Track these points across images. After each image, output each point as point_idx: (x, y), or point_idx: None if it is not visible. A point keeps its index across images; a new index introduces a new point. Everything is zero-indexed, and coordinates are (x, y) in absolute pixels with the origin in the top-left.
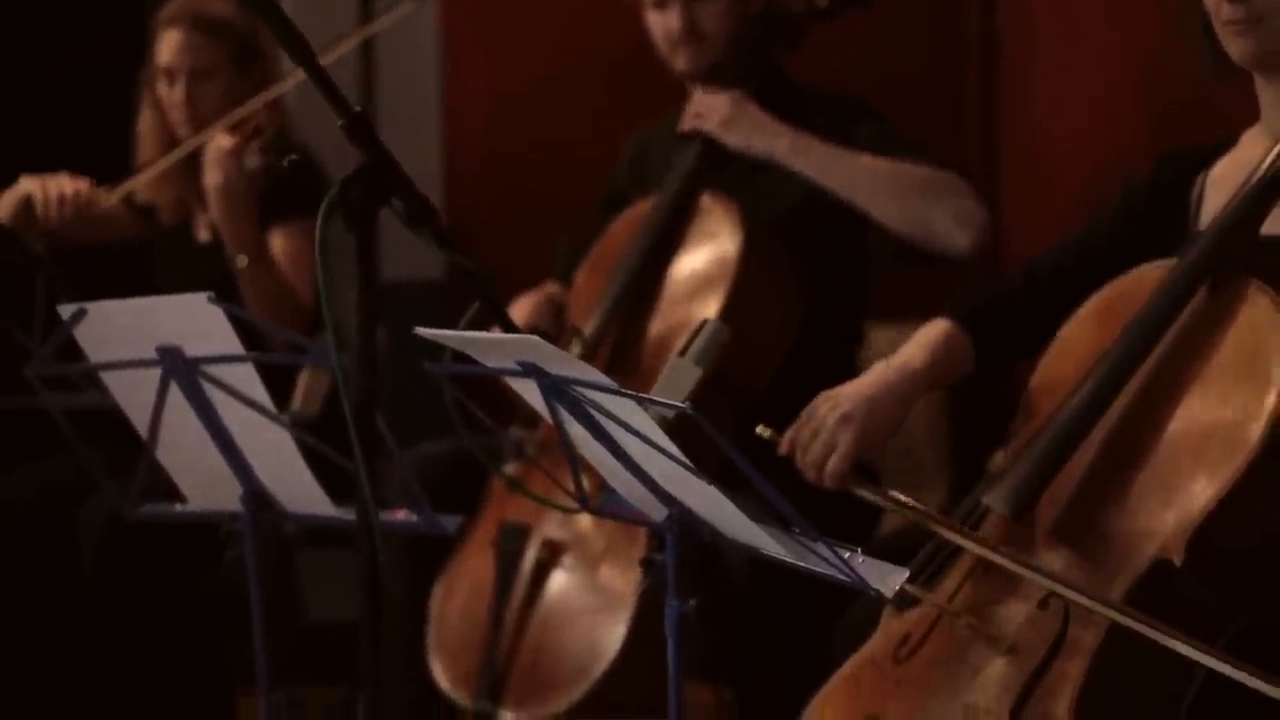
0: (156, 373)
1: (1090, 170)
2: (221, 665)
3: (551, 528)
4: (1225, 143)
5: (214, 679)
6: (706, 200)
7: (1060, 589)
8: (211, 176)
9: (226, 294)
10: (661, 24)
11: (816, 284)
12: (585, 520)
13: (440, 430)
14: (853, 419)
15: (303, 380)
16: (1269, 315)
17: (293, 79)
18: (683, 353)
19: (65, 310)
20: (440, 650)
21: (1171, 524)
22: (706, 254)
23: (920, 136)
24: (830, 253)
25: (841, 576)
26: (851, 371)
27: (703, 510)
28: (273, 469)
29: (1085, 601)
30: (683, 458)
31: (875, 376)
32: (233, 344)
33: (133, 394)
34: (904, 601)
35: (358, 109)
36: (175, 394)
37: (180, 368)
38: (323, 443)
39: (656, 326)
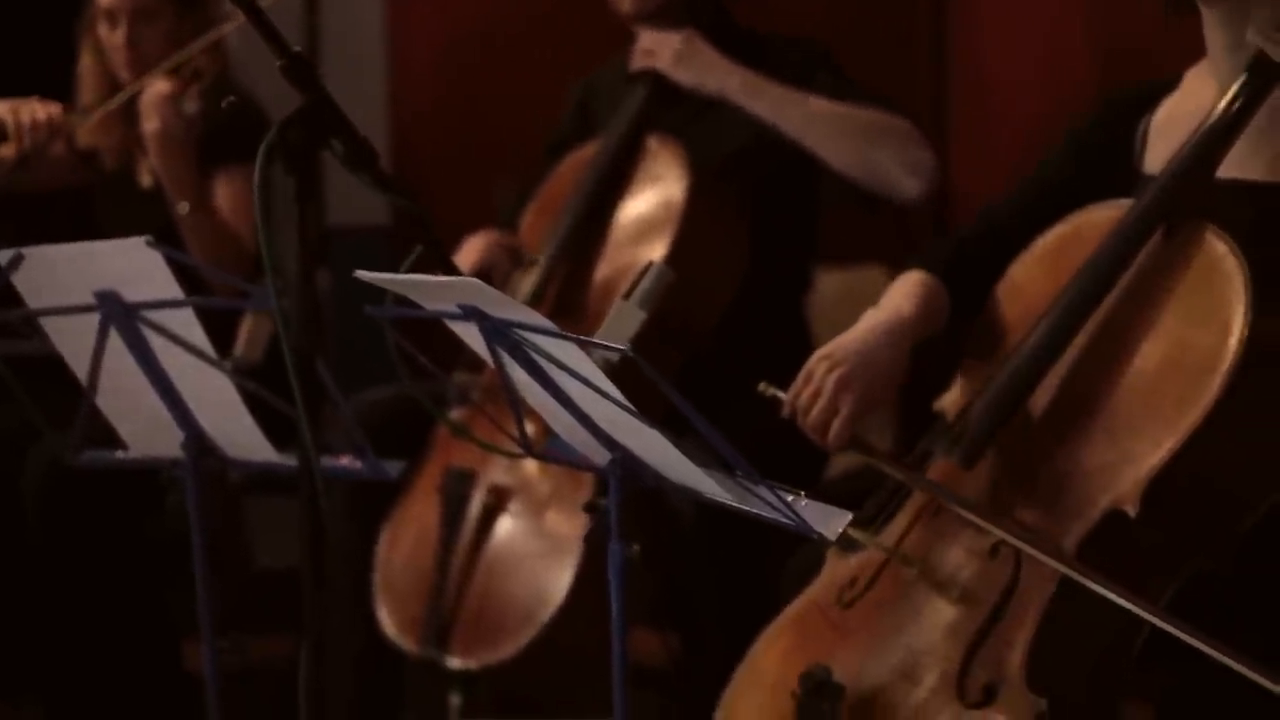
0: (96, 318)
1: (1038, 112)
2: (169, 613)
3: (497, 473)
4: (1168, 83)
5: (162, 626)
6: (653, 142)
7: (1062, 567)
8: (149, 123)
9: (169, 240)
10: None
11: (764, 227)
12: (531, 465)
13: (389, 376)
14: (852, 381)
15: (245, 326)
16: (1225, 261)
17: (233, 22)
18: (627, 295)
19: (2, 256)
20: (386, 597)
21: (1127, 475)
22: (652, 197)
23: (869, 79)
24: (778, 196)
25: (784, 520)
26: (799, 317)
27: (646, 454)
28: (214, 415)
29: (1052, 562)
30: (624, 400)
31: (868, 328)
32: (172, 289)
33: (72, 340)
34: (847, 544)
35: (296, 49)
36: (115, 340)
37: (119, 313)
38: (266, 388)
39: (603, 270)
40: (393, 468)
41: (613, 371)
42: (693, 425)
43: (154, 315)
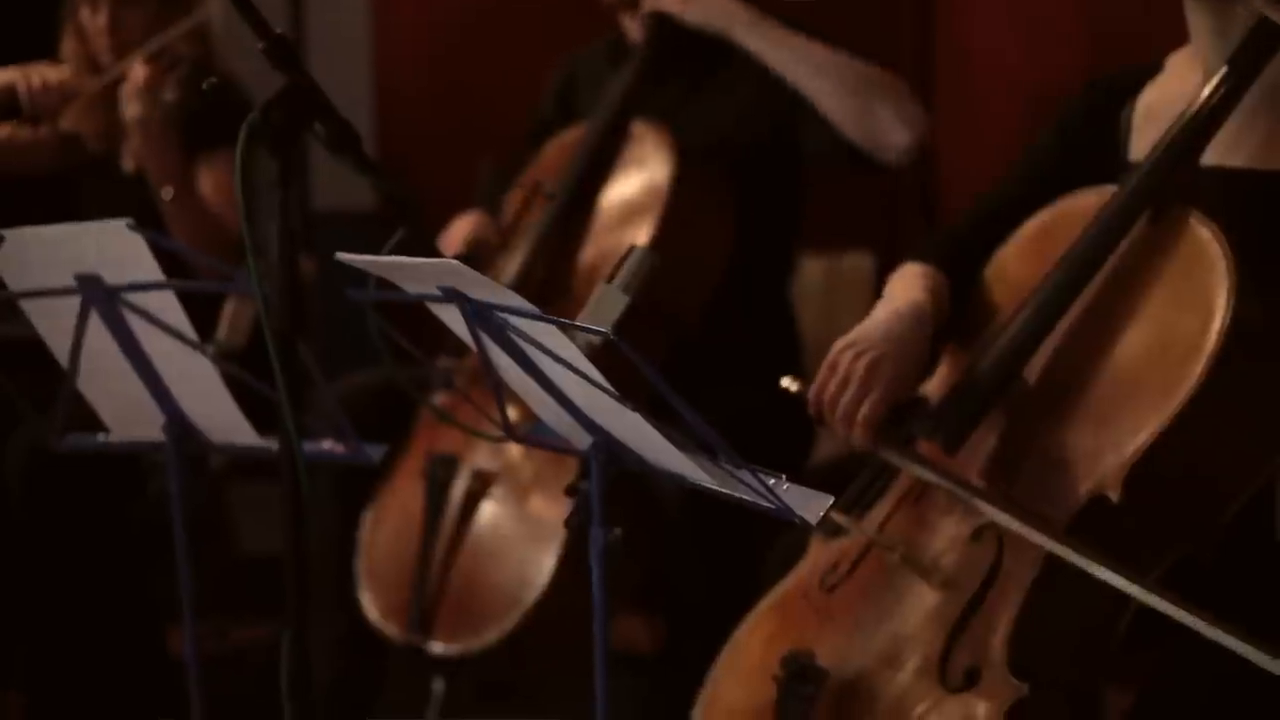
0: (77, 301)
1: (1023, 93)
2: (153, 598)
3: (481, 458)
4: (1152, 68)
5: (146, 611)
6: (639, 127)
7: (1057, 548)
8: (130, 109)
9: (152, 224)
10: None
11: (749, 213)
12: (515, 450)
13: (375, 361)
14: (883, 364)
15: (228, 310)
16: (1209, 247)
17: (215, 5)
18: (611, 279)
19: None
20: (370, 582)
21: (1110, 460)
22: (638, 181)
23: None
24: (763, 181)
25: (766, 504)
26: (784, 301)
27: (628, 438)
28: (195, 399)
29: (1051, 546)
30: (605, 383)
31: (889, 315)
32: (154, 272)
33: (53, 323)
34: (831, 529)
35: (279, 31)
36: (97, 323)
37: (100, 296)
38: (249, 373)
39: (588, 253)
40: (375, 452)
41: (596, 355)
42: (676, 409)
43: (135, 298)
